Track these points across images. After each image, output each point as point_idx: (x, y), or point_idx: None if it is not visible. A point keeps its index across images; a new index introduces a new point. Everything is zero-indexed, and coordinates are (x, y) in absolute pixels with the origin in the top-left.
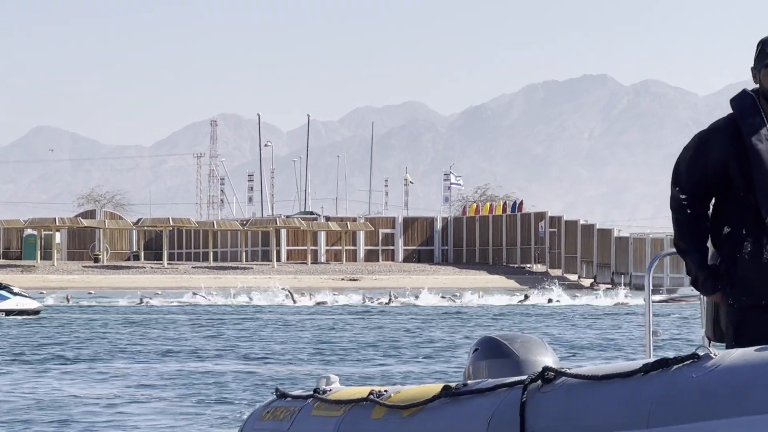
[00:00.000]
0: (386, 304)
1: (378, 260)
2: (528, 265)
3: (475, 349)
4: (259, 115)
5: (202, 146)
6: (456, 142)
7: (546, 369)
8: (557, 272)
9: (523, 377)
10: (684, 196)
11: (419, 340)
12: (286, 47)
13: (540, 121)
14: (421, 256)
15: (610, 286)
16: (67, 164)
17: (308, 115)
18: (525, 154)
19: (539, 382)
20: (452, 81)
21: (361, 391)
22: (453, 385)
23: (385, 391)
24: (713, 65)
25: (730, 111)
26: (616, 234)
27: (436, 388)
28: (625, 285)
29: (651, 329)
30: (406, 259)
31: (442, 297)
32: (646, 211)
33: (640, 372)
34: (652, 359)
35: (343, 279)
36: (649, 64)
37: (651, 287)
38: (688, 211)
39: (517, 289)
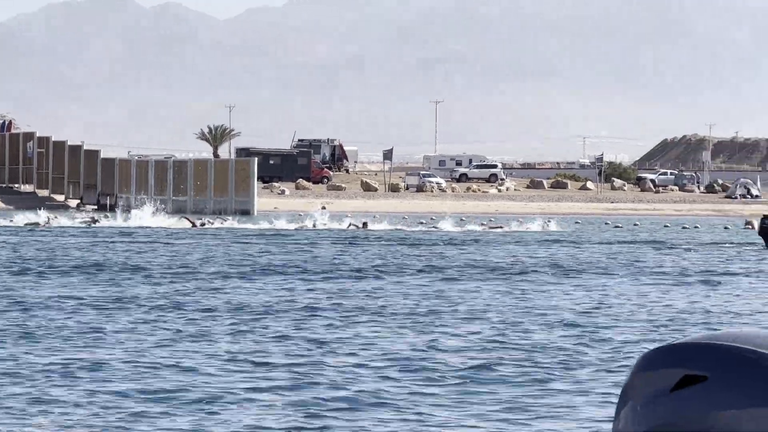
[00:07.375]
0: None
1: None
2: (16, 185)
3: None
4: None
5: None
6: None
7: None
8: (44, 193)
9: None
10: None
11: None
12: None
13: (61, 42)
14: None
15: (96, 206)
16: None
17: None
18: (46, 75)
19: None
20: None
21: None
22: None
23: None
24: None
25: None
26: (103, 155)
27: None
28: (111, 206)
29: None
30: None
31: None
32: (168, 135)
33: None
34: None
35: None
36: None
37: None
38: None
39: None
